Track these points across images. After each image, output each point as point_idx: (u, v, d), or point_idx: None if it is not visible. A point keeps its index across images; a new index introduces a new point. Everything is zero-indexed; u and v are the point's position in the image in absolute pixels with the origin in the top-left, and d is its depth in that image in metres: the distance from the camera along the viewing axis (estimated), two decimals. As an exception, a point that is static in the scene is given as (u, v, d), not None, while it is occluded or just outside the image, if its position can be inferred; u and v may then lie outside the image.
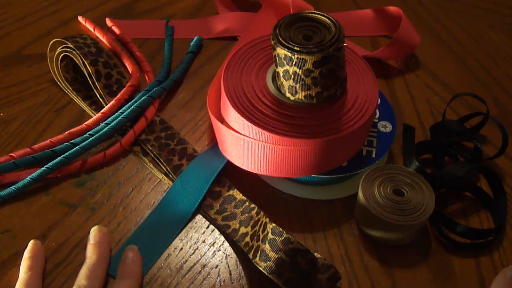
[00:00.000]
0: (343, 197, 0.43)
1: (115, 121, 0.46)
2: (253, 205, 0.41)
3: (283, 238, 0.36)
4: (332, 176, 0.41)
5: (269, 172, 0.40)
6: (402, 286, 0.38)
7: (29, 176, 0.42)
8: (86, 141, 0.45)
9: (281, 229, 0.37)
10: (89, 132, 0.46)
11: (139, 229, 0.41)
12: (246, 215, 0.40)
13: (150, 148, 0.46)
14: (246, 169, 0.41)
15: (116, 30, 0.59)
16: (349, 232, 0.41)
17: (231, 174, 0.45)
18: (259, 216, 0.39)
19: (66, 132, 0.46)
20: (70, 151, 0.44)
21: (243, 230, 0.39)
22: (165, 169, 0.45)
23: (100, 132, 0.46)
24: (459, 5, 0.67)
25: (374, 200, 0.39)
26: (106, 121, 0.47)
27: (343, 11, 0.64)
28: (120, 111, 0.48)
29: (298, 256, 0.35)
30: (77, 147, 0.44)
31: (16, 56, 0.56)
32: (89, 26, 0.60)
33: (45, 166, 0.43)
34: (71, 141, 0.45)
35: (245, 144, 0.39)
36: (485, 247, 0.40)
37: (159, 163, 0.45)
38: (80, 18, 0.61)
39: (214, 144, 0.46)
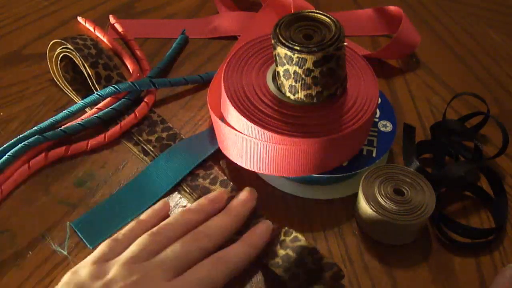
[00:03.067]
0: (343, 196, 0.43)
1: (102, 112, 0.48)
2: (260, 213, 0.41)
3: (291, 236, 0.36)
4: (332, 175, 0.41)
5: (269, 171, 0.40)
6: (402, 286, 0.38)
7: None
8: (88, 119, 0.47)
9: (291, 230, 0.37)
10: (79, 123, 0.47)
11: (109, 199, 0.42)
12: (253, 221, 0.40)
13: (152, 149, 0.46)
14: (247, 168, 0.41)
15: (118, 27, 0.59)
16: (349, 232, 0.41)
17: (231, 173, 0.45)
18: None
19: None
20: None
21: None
22: None
23: (87, 119, 0.47)
24: (459, 5, 0.67)
25: (374, 199, 0.39)
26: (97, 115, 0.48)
27: (344, 11, 0.64)
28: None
29: (306, 254, 0.35)
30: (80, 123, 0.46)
31: (16, 56, 0.56)
32: (89, 26, 0.60)
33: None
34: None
35: (246, 143, 0.39)
36: (485, 246, 0.40)
37: None
38: (80, 19, 0.61)
39: (208, 129, 0.47)
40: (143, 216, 0.38)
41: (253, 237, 0.37)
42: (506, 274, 0.35)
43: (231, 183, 0.43)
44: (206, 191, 0.42)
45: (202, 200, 0.39)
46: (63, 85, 0.51)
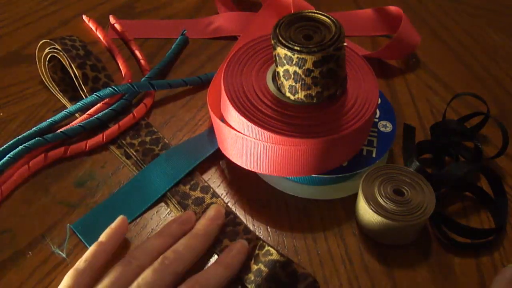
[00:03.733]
0: (343, 197, 0.43)
1: (102, 113, 0.48)
2: (239, 220, 0.41)
3: (264, 250, 0.37)
4: (332, 176, 0.41)
5: (269, 171, 0.40)
6: (402, 286, 0.38)
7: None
8: (87, 121, 0.47)
9: (263, 243, 0.37)
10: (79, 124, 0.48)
11: (108, 200, 0.42)
12: (231, 228, 0.40)
13: (134, 153, 0.46)
14: (246, 168, 0.41)
15: (118, 27, 0.59)
16: (349, 232, 0.41)
17: (231, 173, 0.45)
18: (247, 236, 0.39)
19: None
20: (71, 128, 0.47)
21: (226, 242, 0.39)
22: None
23: (87, 121, 0.48)
24: (459, 5, 0.67)
25: (374, 200, 0.39)
26: (97, 116, 0.48)
27: (344, 11, 0.64)
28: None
29: (279, 268, 0.35)
30: (79, 125, 0.47)
31: (16, 56, 0.56)
32: (91, 26, 0.60)
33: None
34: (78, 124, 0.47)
35: (245, 143, 0.39)
36: (485, 247, 0.40)
37: (142, 167, 0.45)
38: (84, 17, 0.61)
39: (207, 130, 0.48)
40: (102, 238, 0.37)
41: (228, 258, 0.37)
42: (506, 274, 0.35)
43: (212, 189, 0.43)
44: (187, 196, 0.42)
45: (171, 223, 0.39)
46: (51, 85, 0.51)
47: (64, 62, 0.49)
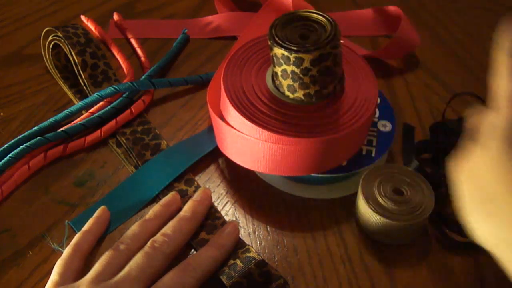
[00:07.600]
0: (343, 196, 0.43)
1: (103, 111, 0.48)
2: (219, 215, 0.41)
3: (243, 248, 0.37)
4: (332, 175, 0.41)
5: (269, 171, 0.40)
6: (402, 286, 0.38)
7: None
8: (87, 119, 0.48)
9: (244, 242, 0.38)
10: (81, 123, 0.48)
11: (107, 197, 0.43)
12: (210, 221, 0.41)
13: (125, 141, 0.46)
14: (246, 167, 0.41)
15: (120, 25, 0.60)
16: (349, 232, 0.41)
17: (230, 172, 0.45)
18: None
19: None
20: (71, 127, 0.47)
21: (203, 235, 0.39)
22: (135, 162, 0.45)
23: (88, 119, 0.48)
24: (459, 5, 0.67)
25: (373, 199, 0.39)
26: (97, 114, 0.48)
27: (343, 11, 0.64)
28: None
29: (253, 265, 0.36)
30: (79, 124, 0.47)
31: (16, 56, 0.56)
32: (90, 26, 0.60)
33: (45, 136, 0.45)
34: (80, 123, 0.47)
35: (245, 143, 0.39)
36: (485, 246, 0.40)
37: (131, 156, 0.46)
38: (82, 17, 0.61)
39: (206, 129, 0.48)
40: (86, 227, 0.39)
41: (220, 239, 0.38)
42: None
43: (196, 182, 0.44)
44: (183, 193, 0.43)
45: (156, 206, 0.40)
46: (54, 72, 0.52)
47: (65, 49, 0.49)
